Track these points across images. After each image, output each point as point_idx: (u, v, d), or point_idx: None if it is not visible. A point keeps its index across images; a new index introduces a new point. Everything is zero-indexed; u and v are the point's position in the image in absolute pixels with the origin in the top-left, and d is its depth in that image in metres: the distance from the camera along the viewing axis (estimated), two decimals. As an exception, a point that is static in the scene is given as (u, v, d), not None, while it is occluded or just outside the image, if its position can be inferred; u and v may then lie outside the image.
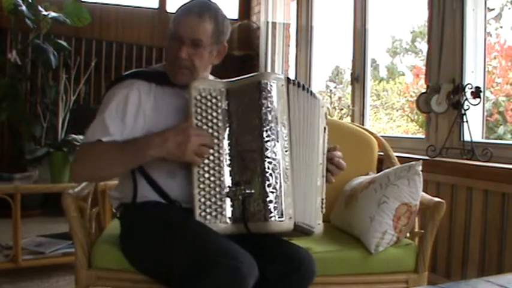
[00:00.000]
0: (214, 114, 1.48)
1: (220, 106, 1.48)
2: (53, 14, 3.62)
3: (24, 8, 3.55)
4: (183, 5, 1.61)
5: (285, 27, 4.75)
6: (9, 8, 3.56)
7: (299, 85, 1.52)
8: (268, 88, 1.44)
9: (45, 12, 3.60)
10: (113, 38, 4.61)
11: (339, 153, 1.67)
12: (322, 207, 1.58)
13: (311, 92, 1.57)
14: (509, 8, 3.47)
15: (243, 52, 4.82)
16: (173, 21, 1.59)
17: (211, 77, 1.74)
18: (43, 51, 3.61)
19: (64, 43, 3.90)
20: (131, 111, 1.55)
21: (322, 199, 1.59)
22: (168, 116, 1.57)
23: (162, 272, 1.48)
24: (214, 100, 1.48)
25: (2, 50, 4.07)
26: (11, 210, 2.53)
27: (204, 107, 1.48)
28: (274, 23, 4.73)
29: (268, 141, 1.42)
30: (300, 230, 1.47)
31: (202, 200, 1.45)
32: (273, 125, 1.43)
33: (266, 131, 1.42)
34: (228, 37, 1.66)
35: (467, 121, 2.55)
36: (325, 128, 1.63)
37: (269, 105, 1.43)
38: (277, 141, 1.43)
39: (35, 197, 3.88)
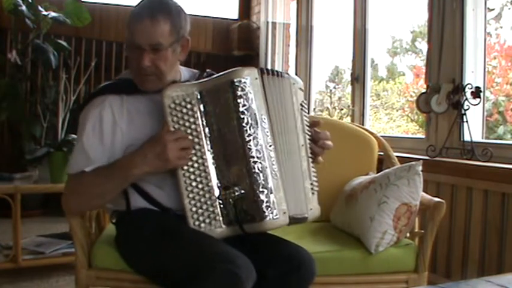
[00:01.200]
0: (192, 120, 1.45)
1: (196, 110, 1.45)
2: (53, 14, 3.62)
3: (24, 8, 3.55)
4: (134, 8, 1.53)
5: (285, 27, 4.75)
6: (9, 8, 3.56)
7: (273, 73, 1.48)
8: (242, 86, 1.40)
9: (45, 12, 3.60)
10: (113, 38, 4.60)
11: (325, 134, 1.60)
12: (312, 189, 1.54)
13: (281, 73, 1.51)
14: (509, 8, 3.47)
15: (243, 52, 4.82)
16: (127, 29, 1.51)
17: (183, 70, 1.69)
18: (43, 51, 3.61)
19: (64, 43, 3.91)
20: (107, 130, 1.53)
21: (313, 181, 1.55)
22: (144, 125, 1.54)
23: (159, 278, 1.47)
24: (189, 106, 1.45)
25: (2, 50, 4.07)
26: (11, 210, 2.53)
27: (180, 115, 1.45)
28: (274, 23, 4.73)
29: (250, 140, 1.39)
30: (294, 222, 1.45)
31: (194, 209, 1.44)
32: (252, 122, 1.40)
33: (246, 130, 1.39)
34: (188, 29, 1.58)
35: (467, 121, 2.55)
36: (301, 105, 1.56)
37: (245, 103, 1.40)
38: (260, 138, 1.40)
39: (35, 197, 3.88)
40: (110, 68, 4.54)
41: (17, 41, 3.76)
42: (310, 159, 1.56)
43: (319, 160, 1.60)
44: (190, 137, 1.44)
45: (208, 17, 4.97)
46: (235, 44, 4.83)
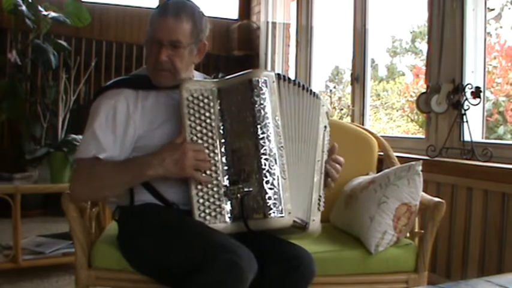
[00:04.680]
0: (207, 114, 1.48)
1: (213, 106, 1.49)
2: (53, 14, 3.62)
3: (24, 8, 3.55)
4: (158, 6, 1.60)
5: (285, 27, 4.75)
6: (9, 8, 3.56)
7: (289, 81, 1.53)
8: (260, 85, 1.45)
9: (45, 12, 3.60)
10: (113, 38, 4.61)
11: (340, 159, 1.65)
12: (319, 205, 1.57)
13: (307, 88, 1.58)
14: (509, 8, 3.47)
15: (243, 52, 4.82)
16: (150, 24, 1.58)
17: (196, 73, 1.73)
18: (43, 51, 3.61)
19: (64, 43, 3.90)
20: (121, 122, 1.55)
21: (320, 196, 1.57)
22: (157, 117, 1.58)
23: (161, 271, 1.48)
24: (206, 100, 1.49)
25: (2, 50, 4.07)
26: (11, 210, 2.53)
27: (196, 108, 1.48)
28: (274, 23, 4.73)
29: (262, 138, 1.42)
30: (295, 226, 1.46)
31: (201, 200, 1.45)
32: (266, 121, 1.43)
33: (260, 128, 1.43)
34: (207, 34, 1.65)
35: (467, 121, 2.55)
36: (325, 127, 1.63)
37: (262, 102, 1.44)
38: (272, 138, 1.43)
39: (35, 197, 3.89)
40: (110, 67, 4.54)
41: (17, 41, 3.76)
42: (323, 176, 1.59)
43: (331, 185, 1.63)
44: (204, 131, 1.47)
45: (208, 17, 4.96)
46: (235, 44, 4.83)
